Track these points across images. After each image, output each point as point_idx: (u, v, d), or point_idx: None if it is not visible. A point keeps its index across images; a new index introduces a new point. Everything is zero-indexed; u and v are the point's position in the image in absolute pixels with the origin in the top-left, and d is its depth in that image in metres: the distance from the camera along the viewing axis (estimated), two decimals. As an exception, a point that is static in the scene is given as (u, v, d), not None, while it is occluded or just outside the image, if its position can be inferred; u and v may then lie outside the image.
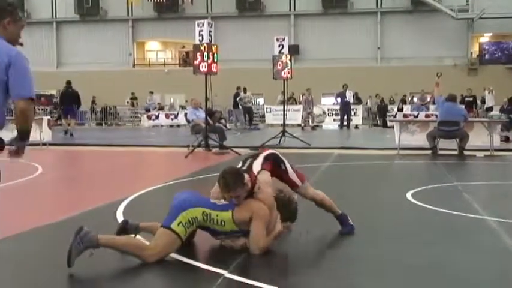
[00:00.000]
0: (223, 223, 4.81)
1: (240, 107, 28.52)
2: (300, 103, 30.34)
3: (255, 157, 5.46)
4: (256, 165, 5.30)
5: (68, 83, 22.28)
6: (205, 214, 4.77)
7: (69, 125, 21.87)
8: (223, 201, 4.89)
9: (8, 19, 4.18)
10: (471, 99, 29.71)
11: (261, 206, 4.87)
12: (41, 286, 4.26)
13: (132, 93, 36.41)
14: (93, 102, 36.13)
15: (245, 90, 29.04)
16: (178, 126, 31.22)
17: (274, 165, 5.45)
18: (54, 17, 42.21)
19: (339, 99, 28.54)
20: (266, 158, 5.43)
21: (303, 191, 5.68)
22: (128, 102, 36.99)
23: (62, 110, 23.24)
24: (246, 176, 4.94)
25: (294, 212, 5.38)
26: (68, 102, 22.02)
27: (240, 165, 5.32)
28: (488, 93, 30.73)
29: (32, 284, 4.29)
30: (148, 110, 34.18)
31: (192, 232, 4.88)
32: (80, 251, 4.39)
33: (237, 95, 28.66)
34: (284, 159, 5.60)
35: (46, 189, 7.06)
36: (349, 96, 28.43)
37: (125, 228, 5.15)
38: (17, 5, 4.35)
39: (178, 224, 4.64)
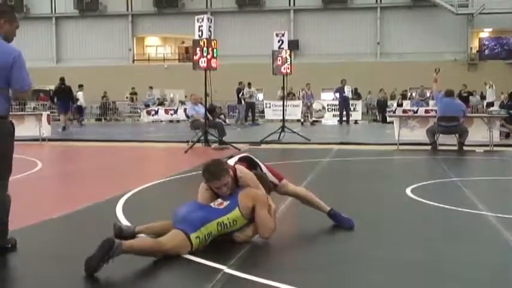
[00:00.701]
0: (235, 222, 4.93)
1: (243, 102, 28.44)
2: (298, 98, 30.30)
3: (229, 157, 5.59)
4: (231, 162, 5.43)
5: (62, 79, 23.03)
6: (220, 224, 4.84)
7: (70, 120, 22.27)
8: (224, 203, 4.96)
9: (4, 19, 4.88)
10: (466, 94, 29.76)
11: (257, 192, 5.12)
12: (40, 282, 4.25)
13: (132, 88, 36.36)
14: (104, 97, 35.95)
15: (249, 85, 28.99)
16: (178, 121, 31.20)
17: (249, 167, 5.49)
18: (53, 12, 42.19)
19: (337, 95, 28.53)
20: (240, 159, 5.54)
21: (283, 189, 5.71)
22: (127, 98, 36.97)
23: (57, 105, 23.92)
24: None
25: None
26: (62, 98, 22.67)
27: None
28: (489, 87, 30.70)
29: (32, 280, 4.28)
30: (147, 106, 34.15)
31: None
32: (105, 262, 4.18)
33: (238, 90, 28.57)
34: (259, 162, 5.68)
35: (45, 184, 7.06)
36: (347, 91, 28.42)
37: (120, 237, 5.03)
38: (12, 8, 5.02)
39: (196, 238, 4.67)
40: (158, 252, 4.51)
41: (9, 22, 4.94)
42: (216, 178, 5.01)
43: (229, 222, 4.89)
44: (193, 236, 4.64)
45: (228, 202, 4.96)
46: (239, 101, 28.70)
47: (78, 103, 29.13)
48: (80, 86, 29.28)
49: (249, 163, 5.57)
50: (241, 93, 28.29)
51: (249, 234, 5.03)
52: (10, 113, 4.97)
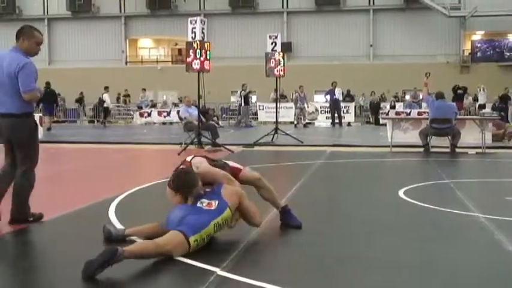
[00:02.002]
0: (227, 221, 5.06)
1: (243, 103, 28.36)
2: (291, 100, 30.32)
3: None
4: (188, 158, 5.62)
5: (48, 83, 24.73)
6: (216, 225, 4.92)
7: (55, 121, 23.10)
8: (213, 203, 5.00)
9: (23, 37, 5.85)
10: (461, 91, 29.89)
11: (235, 188, 5.29)
12: (32, 284, 4.25)
13: (126, 90, 36.29)
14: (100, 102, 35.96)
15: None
16: (171, 123, 31.17)
17: (208, 160, 5.65)
18: (46, 13, 42.05)
19: (328, 97, 28.57)
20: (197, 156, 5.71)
21: (247, 173, 5.76)
22: (100, 99, 36.76)
23: (42, 108, 25.53)
24: (182, 166, 5.43)
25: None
26: (46, 101, 24.24)
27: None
28: (480, 90, 30.91)
29: (22, 282, 4.28)
30: (140, 108, 34.11)
31: None
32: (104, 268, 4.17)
33: (242, 92, 28.44)
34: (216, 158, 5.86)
35: (37, 187, 7.01)
36: (338, 93, 28.45)
37: (110, 241, 5.06)
38: (29, 27, 5.99)
39: (195, 241, 4.70)
40: (158, 255, 4.51)
41: (27, 38, 5.84)
42: (189, 193, 5.12)
43: (223, 222, 4.99)
44: (192, 239, 4.67)
45: (217, 202, 5.01)
46: (245, 103, 28.54)
47: (105, 104, 30.11)
48: (106, 88, 30.45)
49: (207, 157, 5.72)
50: (244, 95, 28.08)
51: (237, 218, 5.28)
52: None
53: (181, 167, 5.41)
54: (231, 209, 5.06)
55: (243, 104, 28.48)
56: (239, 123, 28.51)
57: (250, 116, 29.98)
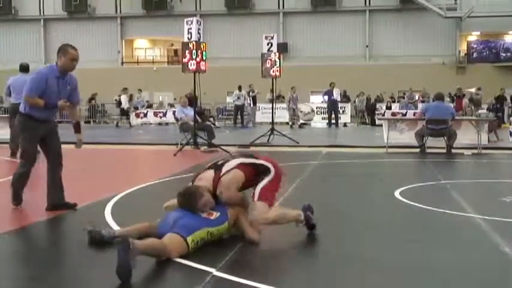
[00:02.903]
0: (221, 234, 5.11)
1: (251, 104, 28.24)
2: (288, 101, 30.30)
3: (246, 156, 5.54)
4: (227, 166, 5.35)
5: None
6: (209, 233, 4.93)
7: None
8: (214, 214, 5.04)
9: (59, 54, 6.70)
10: (460, 95, 29.93)
11: (236, 208, 5.23)
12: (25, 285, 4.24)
13: (124, 89, 36.20)
14: (92, 99, 36.01)
15: (240, 88, 28.94)
16: (167, 124, 31.14)
17: (254, 172, 5.42)
18: (41, 14, 41.98)
19: (326, 97, 28.58)
20: (244, 164, 5.41)
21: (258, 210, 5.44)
22: (116, 100, 36.83)
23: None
24: (204, 184, 5.21)
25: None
26: None
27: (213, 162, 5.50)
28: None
29: (15, 284, 4.27)
30: (136, 108, 34.05)
31: None
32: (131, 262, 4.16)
33: (248, 93, 28.37)
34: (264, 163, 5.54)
35: (33, 187, 7.01)
36: (336, 94, 28.48)
37: (101, 243, 5.01)
38: (65, 45, 6.84)
39: (192, 241, 4.73)
40: (162, 254, 4.51)
41: (63, 55, 6.62)
42: (195, 207, 5.02)
43: (218, 233, 5.03)
44: (189, 239, 4.70)
45: (219, 214, 5.06)
46: (253, 103, 28.36)
47: (122, 106, 30.38)
48: (124, 89, 30.89)
49: (254, 167, 5.43)
50: (252, 95, 27.97)
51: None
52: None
53: (189, 186, 5.29)
54: (229, 223, 5.14)
55: (251, 105, 28.44)
56: (247, 123, 28.37)
57: (245, 117, 29.96)
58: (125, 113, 30.68)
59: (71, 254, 5.11)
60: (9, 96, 12.93)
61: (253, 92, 28.10)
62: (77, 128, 7.00)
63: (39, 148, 6.87)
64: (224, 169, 5.31)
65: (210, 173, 5.35)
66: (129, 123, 30.07)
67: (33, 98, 6.52)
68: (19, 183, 6.78)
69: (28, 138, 6.69)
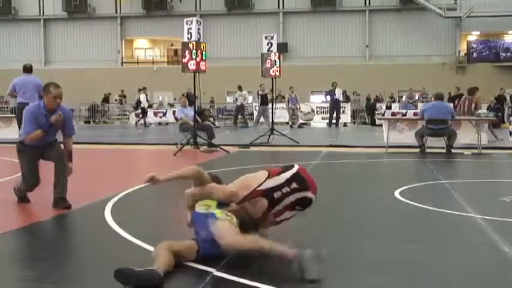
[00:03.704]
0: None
1: (260, 104, 27.89)
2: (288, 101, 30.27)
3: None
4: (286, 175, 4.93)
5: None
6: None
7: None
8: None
9: (44, 93, 6.90)
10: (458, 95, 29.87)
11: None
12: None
13: (122, 91, 36.28)
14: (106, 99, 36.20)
15: (240, 88, 28.87)
16: (167, 124, 31.16)
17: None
18: (41, 14, 42.00)
19: (328, 97, 28.58)
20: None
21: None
22: (116, 100, 36.89)
23: None
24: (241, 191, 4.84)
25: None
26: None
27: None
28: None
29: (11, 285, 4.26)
30: (136, 108, 34.07)
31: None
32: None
33: (261, 92, 27.94)
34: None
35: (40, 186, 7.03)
36: (338, 94, 28.50)
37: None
38: (48, 84, 6.93)
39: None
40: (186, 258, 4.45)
41: (46, 94, 6.78)
42: None
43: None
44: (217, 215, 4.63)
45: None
46: (262, 103, 27.72)
47: (142, 105, 30.56)
48: (143, 89, 31.16)
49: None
50: (262, 95, 27.56)
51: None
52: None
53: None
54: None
55: (260, 104, 28.21)
56: (257, 122, 28.19)
57: (246, 116, 29.93)
58: (144, 112, 30.62)
59: (72, 253, 5.10)
60: (13, 97, 13.93)
61: (262, 91, 27.47)
62: (69, 157, 7.15)
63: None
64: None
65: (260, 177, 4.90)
66: (145, 122, 30.14)
67: (32, 133, 6.78)
68: (22, 192, 7.18)
69: (26, 162, 6.99)
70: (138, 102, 31.35)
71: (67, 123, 7.13)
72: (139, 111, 31.40)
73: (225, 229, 4.49)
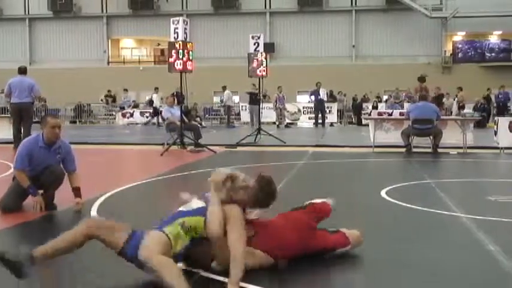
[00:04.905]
0: (193, 228, 4.27)
1: (250, 103, 27.79)
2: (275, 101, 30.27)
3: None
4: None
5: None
6: (181, 224, 4.25)
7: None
8: (199, 204, 4.38)
9: (41, 125, 6.72)
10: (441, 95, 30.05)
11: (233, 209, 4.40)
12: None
13: (108, 91, 36.11)
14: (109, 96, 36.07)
15: (224, 88, 28.80)
16: (154, 124, 31.10)
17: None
18: (27, 13, 41.72)
19: (312, 97, 28.63)
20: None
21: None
22: (102, 100, 36.74)
23: None
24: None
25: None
26: None
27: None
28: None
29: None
30: (122, 108, 33.97)
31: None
32: None
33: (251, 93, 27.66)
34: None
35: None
36: (322, 94, 28.54)
37: None
38: (44, 116, 6.92)
39: (169, 233, 4.16)
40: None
41: (44, 126, 6.62)
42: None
43: (190, 226, 4.22)
44: (166, 230, 4.18)
45: (203, 206, 4.33)
46: (251, 102, 27.51)
47: (154, 105, 30.48)
48: (156, 89, 31.08)
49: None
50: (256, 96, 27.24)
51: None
52: None
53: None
54: (205, 223, 4.21)
55: (250, 103, 28.11)
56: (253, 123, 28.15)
57: (232, 117, 29.94)
58: (156, 113, 30.34)
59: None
60: (8, 97, 14.60)
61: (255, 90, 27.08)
62: (77, 193, 6.77)
63: None
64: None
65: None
66: (157, 122, 29.75)
67: (20, 173, 6.60)
68: None
69: (14, 188, 6.77)
70: (151, 101, 31.35)
71: (68, 158, 6.93)
72: (151, 110, 31.47)
73: (154, 243, 4.07)
